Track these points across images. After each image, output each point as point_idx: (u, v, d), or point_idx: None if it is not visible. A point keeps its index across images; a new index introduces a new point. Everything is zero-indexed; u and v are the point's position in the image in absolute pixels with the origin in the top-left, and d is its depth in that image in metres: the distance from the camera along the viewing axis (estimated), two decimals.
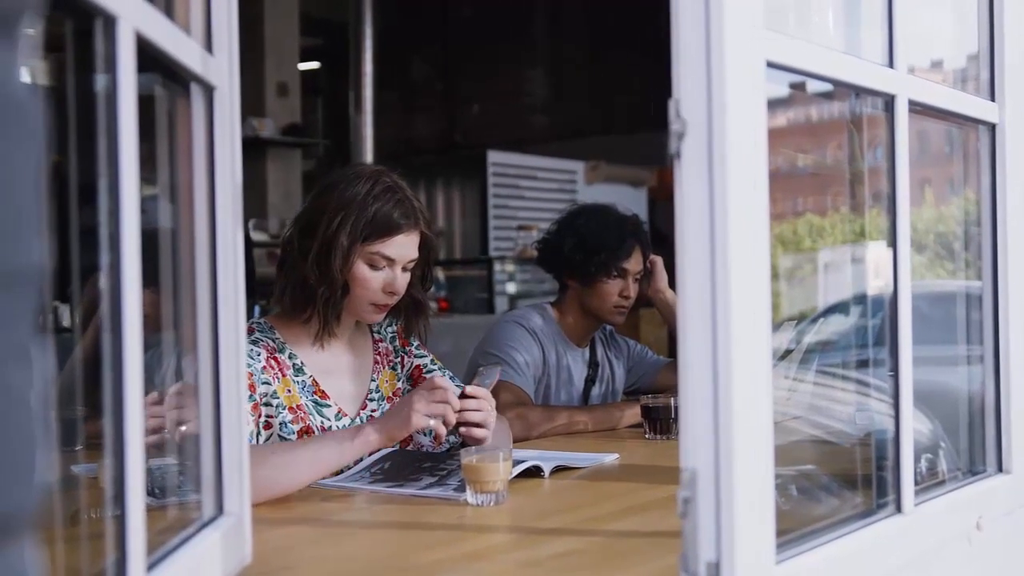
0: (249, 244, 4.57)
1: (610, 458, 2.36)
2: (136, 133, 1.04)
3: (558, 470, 2.19)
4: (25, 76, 0.62)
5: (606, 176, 8.42)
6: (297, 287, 2.22)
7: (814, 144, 2.04)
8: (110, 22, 1.00)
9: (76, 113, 1.04)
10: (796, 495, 1.56)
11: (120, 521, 1.02)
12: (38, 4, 0.64)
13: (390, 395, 2.37)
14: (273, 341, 2.23)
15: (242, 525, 1.41)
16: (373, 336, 2.42)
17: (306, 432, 2.17)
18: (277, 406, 2.16)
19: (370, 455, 2.17)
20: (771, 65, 1.26)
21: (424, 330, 2.41)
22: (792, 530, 1.34)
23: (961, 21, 2.10)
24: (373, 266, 2.21)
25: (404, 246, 2.23)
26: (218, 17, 1.38)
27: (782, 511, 1.28)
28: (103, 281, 1.01)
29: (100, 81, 1.03)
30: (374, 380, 2.36)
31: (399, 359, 2.44)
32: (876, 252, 1.86)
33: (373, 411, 2.31)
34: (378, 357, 2.39)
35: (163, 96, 1.33)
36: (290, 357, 2.23)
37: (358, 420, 2.27)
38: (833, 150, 2.07)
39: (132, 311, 1.02)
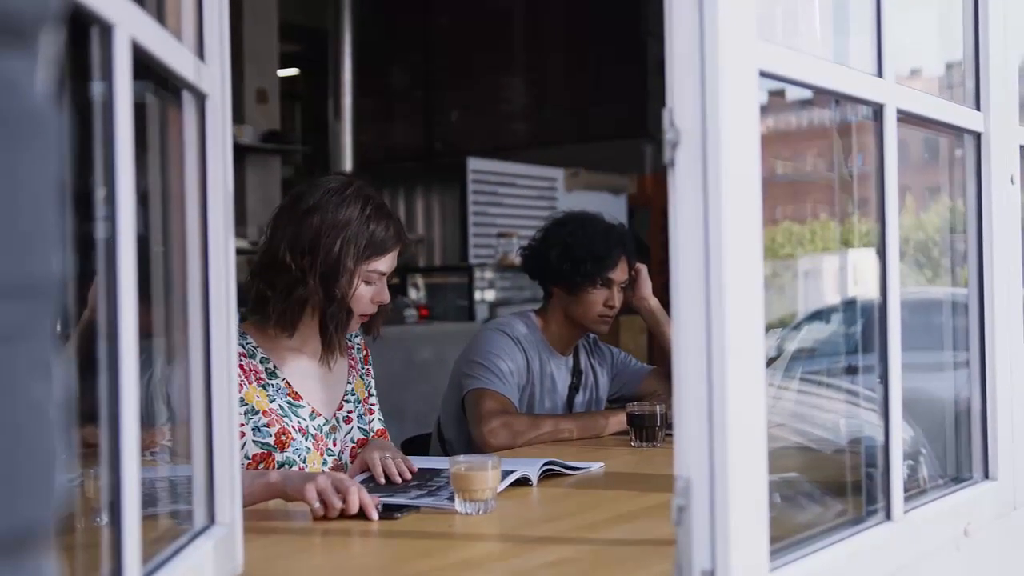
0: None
1: (596, 466, 2.36)
2: (132, 140, 1.03)
3: (547, 476, 2.20)
4: (43, 87, 0.61)
5: (586, 183, 8.42)
6: (297, 308, 2.26)
7: (791, 151, 2.05)
8: (107, 30, 1.00)
9: (70, 120, 1.03)
10: (787, 503, 1.56)
11: (116, 531, 1.01)
12: (57, 13, 0.63)
13: (364, 399, 2.46)
14: (243, 347, 2.26)
15: (234, 535, 1.40)
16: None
17: (282, 433, 2.22)
18: (246, 412, 2.20)
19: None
20: (764, 75, 1.27)
21: (379, 327, 2.45)
22: (785, 537, 1.34)
23: (941, 29, 2.11)
24: (368, 282, 2.29)
25: (394, 259, 2.33)
26: (210, 25, 1.37)
27: (775, 519, 1.28)
28: (99, 289, 1.01)
29: (96, 88, 1.02)
30: (350, 383, 2.43)
31: (365, 370, 2.52)
32: (856, 259, 1.88)
33: (350, 411, 2.40)
34: (352, 363, 2.47)
35: (154, 104, 1.33)
36: (262, 362, 2.28)
37: (333, 420, 2.35)
38: (812, 158, 2.09)
39: (127, 319, 1.02)
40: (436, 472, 2.20)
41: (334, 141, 8.29)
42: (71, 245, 1.04)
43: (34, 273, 0.59)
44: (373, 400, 2.53)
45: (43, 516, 0.59)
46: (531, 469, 2.16)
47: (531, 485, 2.13)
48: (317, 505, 1.84)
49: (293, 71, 9.83)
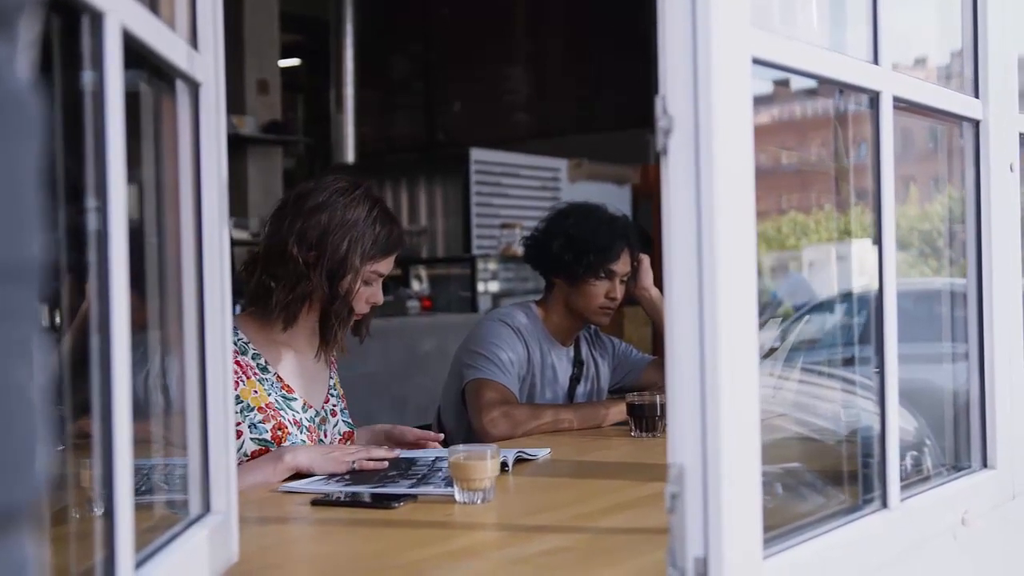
0: (230, 243, 4.59)
1: (544, 452, 2.39)
2: (123, 130, 1.03)
3: (545, 466, 2.21)
4: (23, 72, 0.61)
5: (589, 174, 8.42)
6: (299, 301, 2.29)
7: (798, 141, 2.04)
8: (97, 18, 1.00)
9: (60, 109, 1.03)
10: (783, 492, 1.56)
11: (108, 520, 1.01)
12: (35, 2, 0.63)
13: (342, 395, 2.52)
14: (235, 344, 2.27)
15: (229, 523, 1.40)
16: None
17: (279, 428, 2.26)
18: (242, 410, 2.23)
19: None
20: (757, 62, 1.26)
21: (368, 328, 2.49)
22: (780, 526, 1.34)
23: (944, 17, 2.11)
24: (367, 282, 2.34)
25: (392, 263, 2.39)
26: (203, 13, 1.37)
27: (769, 507, 1.28)
28: (91, 281, 1.01)
29: (86, 77, 1.02)
30: (332, 378, 2.49)
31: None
32: (860, 250, 1.87)
33: (334, 405, 2.46)
34: (333, 360, 2.51)
35: (147, 93, 1.32)
36: (253, 357, 2.32)
37: (323, 412, 2.41)
38: (817, 147, 2.08)
39: (120, 309, 1.02)
40: (412, 461, 2.22)
41: (336, 132, 8.29)
42: (69, 237, 1.05)
43: (14, 257, 0.59)
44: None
45: (23, 497, 0.60)
46: (507, 455, 2.20)
47: (507, 471, 2.14)
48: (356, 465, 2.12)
49: (295, 61, 9.82)
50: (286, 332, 2.34)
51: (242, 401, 2.24)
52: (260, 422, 2.25)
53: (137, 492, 1.12)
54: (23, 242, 0.60)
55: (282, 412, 2.29)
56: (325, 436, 2.39)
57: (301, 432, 2.30)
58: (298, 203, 2.32)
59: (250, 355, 2.31)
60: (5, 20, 0.59)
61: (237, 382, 2.23)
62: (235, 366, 2.24)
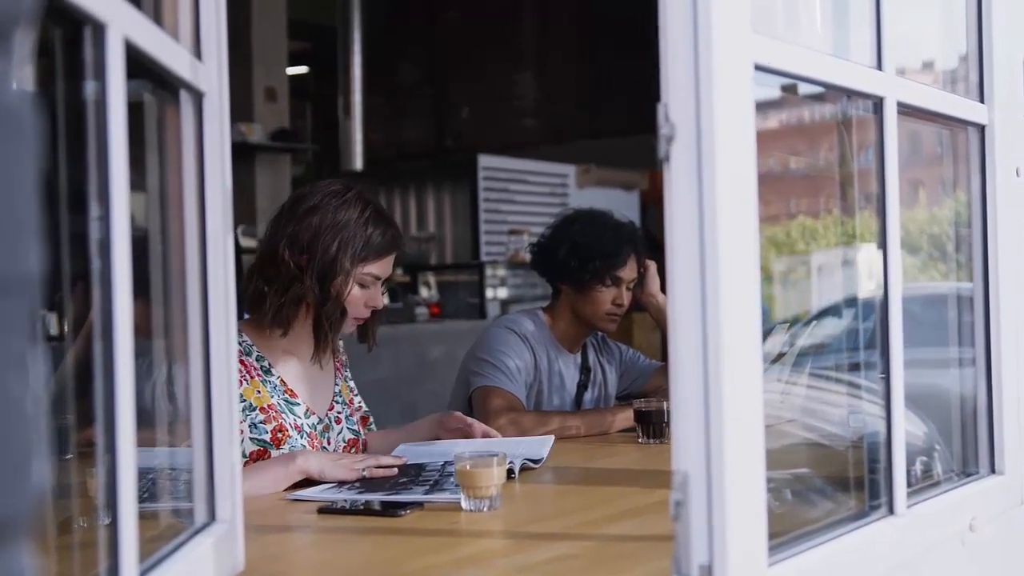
0: (237, 251, 4.59)
1: (547, 442, 2.42)
2: (126, 140, 1.04)
3: (542, 471, 2.24)
4: (19, 83, 0.62)
5: (597, 180, 8.42)
6: (292, 304, 2.30)
7: (807, 146, 2.04)
8: (99, 29, 1.00)
9: (64, 120, 1.04)
10: (789, 498, 1.56)
11: (113, 529, 1.02)
12: (32, 12, 0.64)
13: (349, 401, 2.51)
14: (240, 345, 2.28)
15: (234, 532, 1.41)
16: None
17: (279, 430, 2.27)
18: (244, 409, 2.24)
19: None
20: (759, 68, 1.26)
21: (374, 335, 2.48)
22: (785, 532, 1.34)
23: (951, 22, 2.10)
24: (362, 285, 2.34)
25: (390, 265, 2.38)
26: (207, 23, 1.37)
27: (775, 514, 1.28)
28: (94, 289, 1.01)
29: (89, 88, 1.02)
30: (337, 384, 2.49)
31: (347, 374, 2.57)
32: (869, 254, 1.87)
33: (339, 413, 2.46)
34: (338, 365, 2.52)
35: (152, 103, 1.33)
36: (258, 360, 2.33)
37: (326, 419, 2.41)
38: (826, 152, 2.08)
39: (123, 318, 1.02)
40: (422, 467, 2.22)
41: (344, 139, 8.29)
42: (77, 246, 1.05)
43: (11, 268, 0.59)
44: (359, 400, 2.57)
45: (18, 509, 0.60)
46: (528, 450, 2.23)
47: (514, 479, 2.13)
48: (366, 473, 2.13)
49: (302, 69, 9.82)
50: (286, 338, 2.33)
51: (244, 400, 2.24)
52: (261, 422, 2.25)
53: (141, 499, 1.12)
54: (19, 255, 0.60)
55: (284, 415, 2.29)
56: (328, 443, 2.39)
57: (301, 437, 2.30)
58: (293, 208, 2.34)
59: (254, 356, 2.32)
60: (1, 34, 0.59)
61: (240, 381, 2.23)
62: (239, 365, 2.24)
